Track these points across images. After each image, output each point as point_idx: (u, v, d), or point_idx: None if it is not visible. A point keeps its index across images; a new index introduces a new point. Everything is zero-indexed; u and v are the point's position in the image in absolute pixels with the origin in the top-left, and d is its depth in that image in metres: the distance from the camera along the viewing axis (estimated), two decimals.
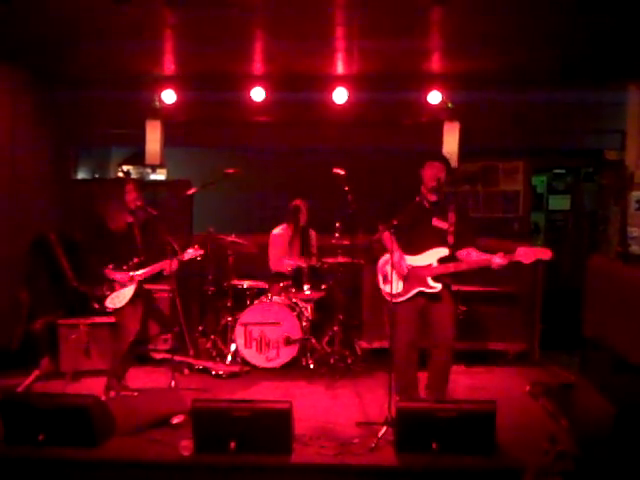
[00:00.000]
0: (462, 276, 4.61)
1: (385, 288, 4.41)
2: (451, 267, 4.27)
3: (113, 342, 5.07)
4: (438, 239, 4.32)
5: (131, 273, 4.78)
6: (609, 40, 5.24)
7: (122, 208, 4.79)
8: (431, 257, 4.32)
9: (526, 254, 4.04)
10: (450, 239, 4.29)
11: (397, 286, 4.31)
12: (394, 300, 4.31)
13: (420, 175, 4.40)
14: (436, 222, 4.34)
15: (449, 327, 4.38)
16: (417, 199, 4.39)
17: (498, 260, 4.10)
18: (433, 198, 4.39)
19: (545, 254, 4.05)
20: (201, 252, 5.04)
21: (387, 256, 4.41)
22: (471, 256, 4.25)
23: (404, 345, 4.40)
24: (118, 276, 4.74)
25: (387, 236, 4.39)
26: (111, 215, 4.75)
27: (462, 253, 4.30)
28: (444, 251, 4.30)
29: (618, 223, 6.69)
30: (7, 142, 5.95)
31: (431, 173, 4.32)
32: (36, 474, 3.73)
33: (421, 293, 4.34)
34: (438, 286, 4.29)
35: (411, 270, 4.33)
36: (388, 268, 4.33)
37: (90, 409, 3.90)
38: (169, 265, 4.83)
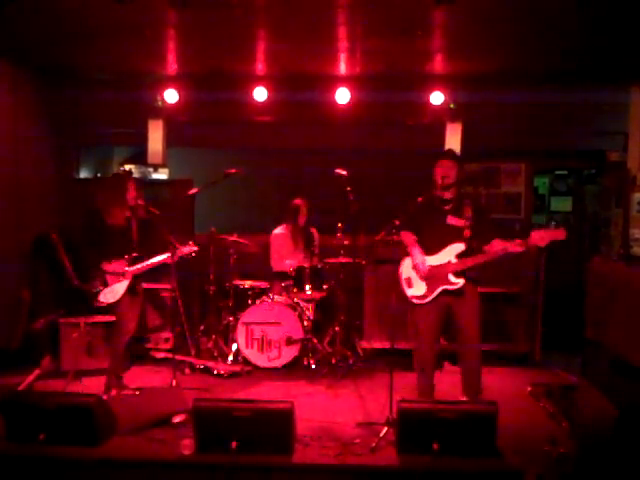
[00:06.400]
0: None
1: (409, 292, 4.46)
2: (469, 261, 4.28)
3: (111, 340, 5.07)
4: (454, 236, 4.33)
5: (126, 268, 4.79)
6: (612, 41, 5.24)
7: (121, 203, 4.79)
8: (449, 254, 4.33)
9: (541, 238, 4.03)
10: (466, 233, 4.30)
11: (421, 288, 4.38)
12: (420, 302, 4.39)
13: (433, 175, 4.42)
14: (451, 220, 4.36)
15: (474, 327, 4.38)
16: (422, 199, 4.36)
17: (515, 248, 4.13)
18: (447, 196, 4.41)
19: (559, 234, 4.03)
20: (195, 248, 5.02)
21: (407, 260, 4.48)
22: (495, 246, 4.21)
23: (426, 348, 4.47)
24: (113, 266, 4.71)
25: (405, 235, 4.46)
26: (109, 210, 4.76)
27: (487, 247, 4.28)
28: (460, 246, 4.30)
29: (620, 225, 6.68)
30: (9, 141, 5.96)
31: (440, 171, 4.36)
32: (38, 473, 3.73)
33: (445, 291, 4.34)
34: (460, 282, 4.30)
35: (431, 270, 4.34)
36: (411, 271, 4.43)
37: (91, 408, 3.90)
38: (170, 259, 4.83)
